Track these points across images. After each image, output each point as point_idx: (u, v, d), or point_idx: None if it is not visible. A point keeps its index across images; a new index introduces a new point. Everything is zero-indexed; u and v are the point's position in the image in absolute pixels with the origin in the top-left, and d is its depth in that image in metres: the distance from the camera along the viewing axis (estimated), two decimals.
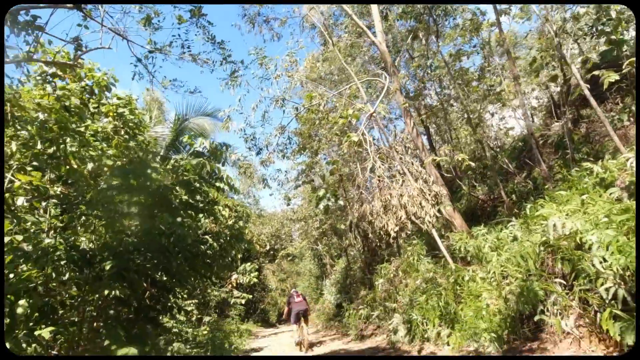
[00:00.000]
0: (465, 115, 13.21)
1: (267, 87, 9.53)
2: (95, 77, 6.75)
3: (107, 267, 2.90)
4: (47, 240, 3.12)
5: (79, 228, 3.61)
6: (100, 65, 6.95)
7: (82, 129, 4.59)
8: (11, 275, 3.25)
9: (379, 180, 6.17)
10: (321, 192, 8.44)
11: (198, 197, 3.89)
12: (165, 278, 3.80)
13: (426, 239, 11.23)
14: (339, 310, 15.38)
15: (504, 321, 5.68)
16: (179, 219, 3.60)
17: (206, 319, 14.54)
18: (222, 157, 4.19)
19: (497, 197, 10.10)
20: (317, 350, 9.71)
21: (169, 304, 3.70)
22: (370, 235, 6.85)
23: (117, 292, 2.96)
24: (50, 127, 3.89)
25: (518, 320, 5.60)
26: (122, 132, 5.92)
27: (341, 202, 8.34)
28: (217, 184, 3.96)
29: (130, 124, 6.27)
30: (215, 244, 4.26)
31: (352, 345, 9.49)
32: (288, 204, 16.75)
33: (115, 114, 6.23)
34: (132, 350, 2.77)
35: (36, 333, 2.83)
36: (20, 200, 3.43)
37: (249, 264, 15.06)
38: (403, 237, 7.05)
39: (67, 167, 3.73)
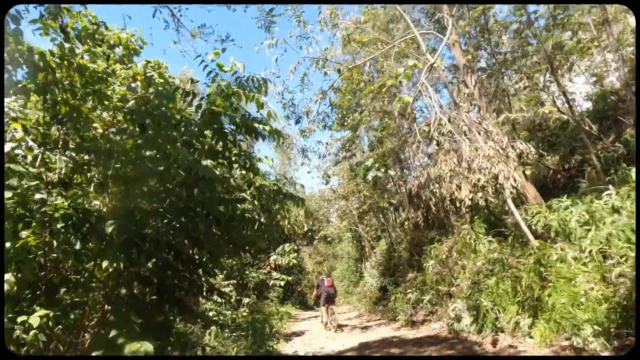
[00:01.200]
0: (524, 82, 11.64)
1: (307, 46, 8.50)
2: (122, 39, 6.09)
3: (109, 230, 2.09)
4: (38, 196, 2.34)
5: (87, 187, 2.85)
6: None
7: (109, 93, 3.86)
8: (8, 244, 2.53)
9: (447, 139, 5.07)
10: (369, 162, 7.46)
11: (229, 143, 2.99)
12: (192, 250, 3.03)
13: (485, 217, 9.98)
14: (383, 293, 14.47)
15: (613, 311, 4.51)
16: (204, 163, 2.75)
17: (245, 300, 14.10)
18: (264, 90, 3.23)
19: (572, 166, 8.67)
20: (365, 336, 8.86)
21: (199, 283, 2.89)
22: (432, 206, 5.80)
23: (121, 264, 2.17)
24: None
25: (632, 310, 4.42)
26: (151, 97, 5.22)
27: (392, 172, 7.29)
28: (257, 126, 3.00)
29: (159, 89, 5.55)
30: (257, 202, 3.37)
31: (404, 333, 8.54)
32: (327, 182, 15.85)
33: (143, 77, 5.53)
34: (146, 347, 1.96)
35: (20, 319, 2.07)
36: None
37: (287, 244, 14.39)
38: (481, 203, 5.90)
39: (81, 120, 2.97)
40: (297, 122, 9.78)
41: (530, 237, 6.02)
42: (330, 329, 10.48)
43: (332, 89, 13.05)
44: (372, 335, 8.79)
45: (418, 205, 7.50)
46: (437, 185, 5.46)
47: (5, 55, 3.06)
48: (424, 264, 11.64)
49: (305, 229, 19.95)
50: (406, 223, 14.88)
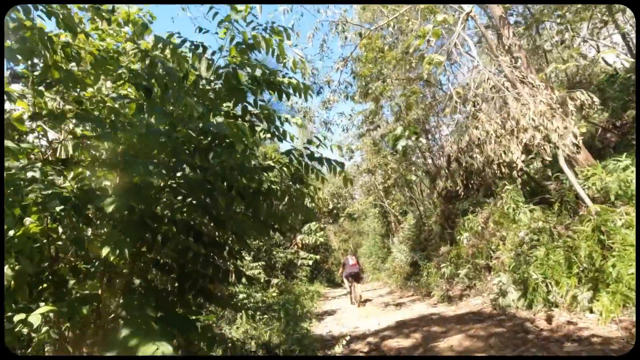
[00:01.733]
0: (561, 36, 10.61)
1: (325, 9, 7.85)
2: (130, 14, 5.70)
3: (109, 209, 1.70)
4: (30, 174, 1.98)
5: (93, 165, 2.48)
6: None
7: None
8: (11, 233, 2.21)
9: (488, 97, 4.46)
10: (399, 130, 6.90)
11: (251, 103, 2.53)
12: (216, 231, 2.65)
13: (524, 183, 9.30)
14: (414, 269, 14.07)
15: None
16: (219, 119, 2.29)
17: (274, 281, 14.00)
18: (286, 36, 2.71)
19: (624, 122, 7.84)
20: (401, 313, 8.51)
21: (224, 268, 2.51)
22: (475, 172, 5.24)
23: (126, 250, 1.78)
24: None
25: None
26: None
27: (423, 141, 6.73)
28: (282, 80, 2.52)
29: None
30: (286, 172, 2.89)
31: (442, 309, 8.13)
32: (350, 158, 15.33)
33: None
34: (164, 348, 1.59)
35: (17, 318, 1.74)
36: None
37: (313, 223, 14.08)
38: (536, 165, 5.27)
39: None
40: (319, 93, 9.23)
41: (588, 201, 5.38)
42: (354, 304, 11.07)
43: (352, 59, 12.39)
44: (408, 313, 8.42)
45: (458, 171, 6.92)
46: (478, 150, 4.88)
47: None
48: (457, 237, 11.12)
49: (330, 206, 19.60)
50: (436, 194, 14.29)
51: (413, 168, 13.96)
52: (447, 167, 7.16)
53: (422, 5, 8.24)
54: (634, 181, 5.28)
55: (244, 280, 2.89)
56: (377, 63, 11.87)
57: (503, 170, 4.98)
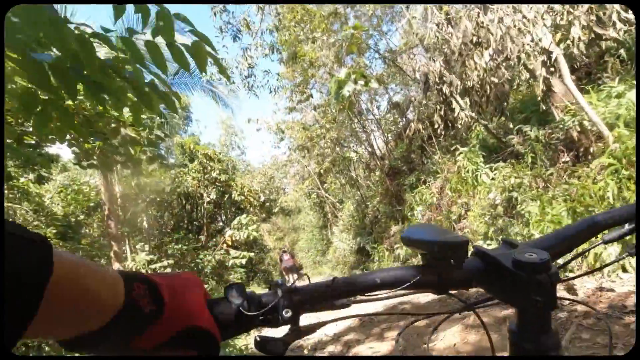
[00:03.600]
0: None
1: None
2: None
3: None
4: None
5: None
6: None
7: None
8: None
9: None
10: (343, 73, 5.28)
11: None
12: None
13: (482, 140, 8.31)
14: (361, 256, 12.76)
15: None
16: None
17: None
18: None
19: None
20: (357, 308, 6.97)
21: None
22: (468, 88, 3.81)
23: None
24: None
25: None
26: None
27: (375, 84, 5.19)
28: None
29: None
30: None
31: (410, 296, 6.70)
32: (281, 139, 13.50)
33: None
34: None
35: None
36: None
37: (244, 216, 12.06)
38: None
39: None
40: (235, 39, 7.26)
41: (603, 127, 4.22)
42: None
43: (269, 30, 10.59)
44: (368, 305, 6.89)
45: (435, 107, 5.51)
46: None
47: None
48: (409, 213, 9.95)
49: (262, 199, 17.60)
50: (378, 171, 13.09)
51: (352, 145, 12.57)
52: (424, 89, 5.70)
53: None
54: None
55: None
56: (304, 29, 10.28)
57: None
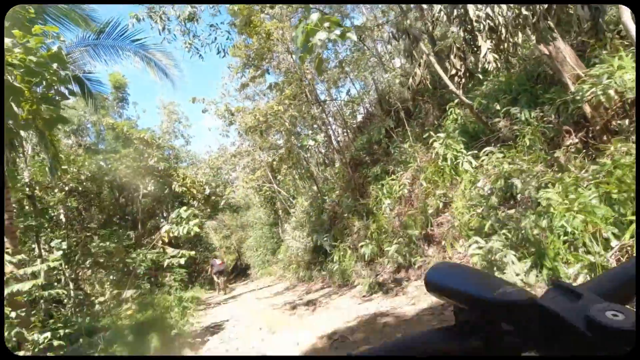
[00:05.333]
0: None
1: None
2: None
3: None
4: None
5: None
6: None
7: None
8: None
9: None
10: (314, 17, 4.05)
11: None
12: None
13: (461, 125, 7.40)
14: (317, 255, 11.54)
15: None
16: None
17: (128, 293, 9.86)
18: None
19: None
20: (320, 318, 5.72)
21: None
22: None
23: None
24: None
25: None
26: None
27: (354, 36, 3.95)
28: None
29: None
30: None
31: (385, 304, 5.55)
32: (230, 123, 11.88)
33: None
34: None
35: None
36: None
37: (184, 208, 10.34)
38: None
39: None
40: None
41: None
42: (221, 291, 14.55)
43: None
44: (334, 315, 5.66)
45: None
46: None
47: None
48: (374, 207, 8.90)
49: (208, 191, 15.77)
50: (339, 162, 11.93)
51: (310, 132, 11.30)
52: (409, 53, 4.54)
53: None
54: None
55: None
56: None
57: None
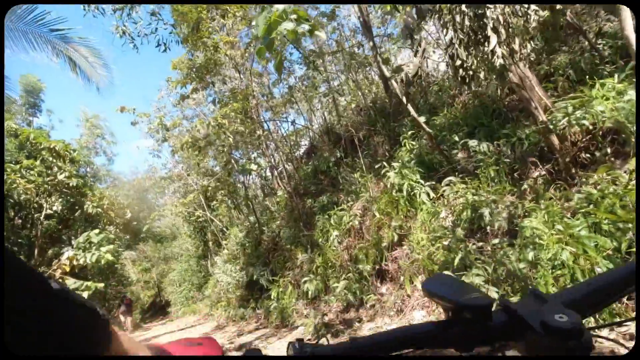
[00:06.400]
0: None
1: None
2: None
3: None
4: None
5: None
6: None
7: None
8: None
9: None
10: (280, 6, 3.49)
11: None
12: None
13: (417, 156, 7.09)
14: (251, 291, 10.38)
15: None
16: None
17: None
18: None
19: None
20: None
21: None
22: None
23: None
24: None
25: None
26: None
27: (322, 35, 3.45)
28: None
29: None
30: None
31: None
32: (165, 140, 10.62)
33: None
34: None
35: None
36: None
37: (95, 231, 8.75)
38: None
39: None
40: None
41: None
42: (127, 330, 14.15)
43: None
44: None
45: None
46: None
47: None
48: (320, 239, 8.19)
49: (129, 215, 13.92)
50: (282, 190, 11.13)
51: (254, 155, 10.47)
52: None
53: None
54: None
55: None
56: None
57: None
